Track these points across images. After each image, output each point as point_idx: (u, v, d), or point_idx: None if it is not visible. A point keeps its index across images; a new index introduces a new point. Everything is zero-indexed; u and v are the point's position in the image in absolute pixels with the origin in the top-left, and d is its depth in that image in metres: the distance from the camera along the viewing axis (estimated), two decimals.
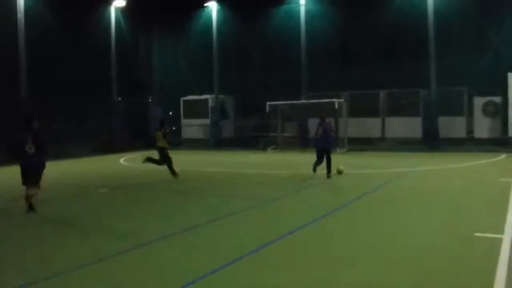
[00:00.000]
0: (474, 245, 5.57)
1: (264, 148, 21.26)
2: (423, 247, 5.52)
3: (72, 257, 5.38)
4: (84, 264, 5.05)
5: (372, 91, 21.13)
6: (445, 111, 19.61)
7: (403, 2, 20.52)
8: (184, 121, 25.29)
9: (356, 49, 21.92)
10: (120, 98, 24.90)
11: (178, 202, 9.17)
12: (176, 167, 12.23)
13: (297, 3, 22.98)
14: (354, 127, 20.81)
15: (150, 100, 26.95)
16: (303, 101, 21.83)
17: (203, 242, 5.96)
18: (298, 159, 17.34)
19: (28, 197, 7.69)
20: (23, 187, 7.76)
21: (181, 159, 19.22)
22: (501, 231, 6.00)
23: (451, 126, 19.75)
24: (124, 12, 24.46)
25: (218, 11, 24.54)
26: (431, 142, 19.48)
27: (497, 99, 19.30)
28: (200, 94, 24.76)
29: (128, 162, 17.50)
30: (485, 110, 19.49)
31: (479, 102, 19.62)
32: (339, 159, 16.44)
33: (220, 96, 24.55)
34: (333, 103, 19.49)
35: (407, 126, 20.50)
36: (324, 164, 11.37)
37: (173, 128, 27.79)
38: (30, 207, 7.73)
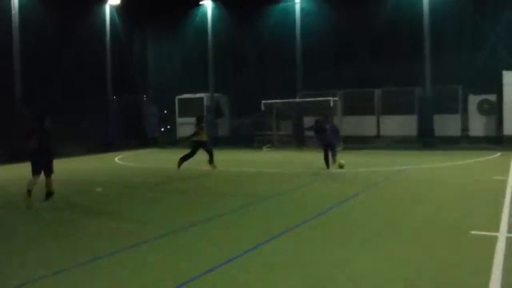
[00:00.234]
0: (470, 243, 5.57)
1: (259, 147, 21.24)
2: (418, 244, 5.51)
3: (67, 257, 5.31)
4: (78, 264, 4.99)
5: (367, 89, 21.17)
6: (440, 109, 19.69)
7: (398, 0, 20.56)
8: (179, 119, 25.19)
9: (351, 47, 21.97)
10: (115, 97, 24.77)
11: (175, 201, 9.12)
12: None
13: (292, 1, 22.95)
14: (349, 125, 20.86)
15: (145, 98, 26.83)
16: (298, 99, 21.82)
17: (199, 241, 5.91)
18: (294, 157, 17.34)
19: (30, 185, 8.35)
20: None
21: (177, 157, 19.19)
22: (496, 229, 6.01)
23: (446, 124, 19.83)
24: (118, 10, 24.31)
25: (213, 10, 24.46)
26: (426, 140, 19.54)
27: (492, 97, 19.39)
28: (195, 92, 24.68)
29: (124, 161, 17.41)
30: (480, 108, 19.58)
31: (474, 100, 19.70)
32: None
33: (216, 94, 24.48)
34: (328, 101, 19.49)
35: (402, 124, 20.56)
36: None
37: (168, 127, 27.71)
38: (49, 194, 8.70)
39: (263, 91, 22.82)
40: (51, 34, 20.13)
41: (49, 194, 8.76)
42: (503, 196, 8.21)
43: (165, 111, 27.50)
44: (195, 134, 12.46)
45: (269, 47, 23.23)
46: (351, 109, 21.04)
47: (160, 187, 11.05)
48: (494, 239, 5.55)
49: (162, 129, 28.11)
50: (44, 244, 5.99)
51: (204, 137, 12.32)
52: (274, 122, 21.87)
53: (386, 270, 4.67)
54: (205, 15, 24.72)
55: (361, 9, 21.14)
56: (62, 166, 16.06)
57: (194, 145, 12.41)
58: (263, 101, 21.08)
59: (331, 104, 19.58)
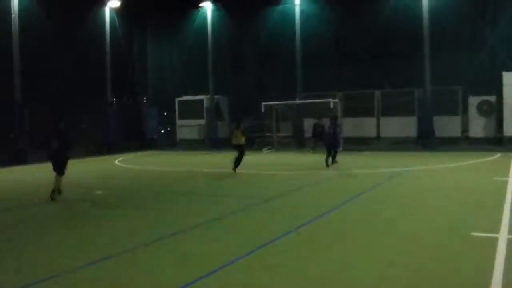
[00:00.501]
0: (470, 244, 5.55)
1: (259, 148, 21.22)
2: (418, 246, 5.49)
3: (66, 258, 5.30)
4: (79, 267, 4.97)
5: (367, 91, 21.17)
6: (440, 110, 19.68)
7: (398, 1, 20.59)
8: (179, 121, 25.19)
9: (350, 49, 21.98)
10: (114, 99, 24.77)
11: (175, 203, 9.10)
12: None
13: (292, 3, 22.98)
14: (349, 126, 20.85)
15: (145, 100, 26.83)
16: (298, 101, 21.82)
17: (199, 243, 5.90)
18: (294, 159, 17.33)
19: (55, 188, 9.19)
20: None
21: (176, 160, 19.21)
22: (497, 231, 5.99)
23: (446, 125, 19.82)
24: (118, 12, 24.33)
25: (213, 11, 24.48)
26: (426, 141, 19.53)
27: (492, 98, 19.39)
28: (195, 94, 24.69)
29: (123, 163, 17.39)
30: (480, 109, 19.57)
31: (474, 101, 19.69)
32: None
33: (216, 96, 24.49)
34: (328, 103, 19.49)
35: (402, 126, 20.55)
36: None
37: (168, 129, 27.71)
38: (53, 194, 9.19)
39: (263, 93, 22.84)
40: (51, 36, 20.14)
41: (54, 191, 9.22)
42: (504, 197, 8.20)
43: (165, 113, 27.49)
44: (235, 137, 13.05)
45: (268, 49, 23.25)
46: (351, 111, 21.03)
47: (161, 189, 11.03)
48: (495, 241, 5.54)
49: (162, 131, 28.11)
50: (45, 247, 5.98)
51: (242, 140, 12.92)
52: (274, 123, 21.86)
53: (386, 272, 4.66)
54: (205, 17, 24.75)
55: (360, 11, 21.17)
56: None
57: (237, 148, 13.00)
58: (263, 103, 21.07)
59: (331, 105, 19.57)
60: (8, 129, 18.48)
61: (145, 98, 26.89)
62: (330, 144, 13.50)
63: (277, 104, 21.27)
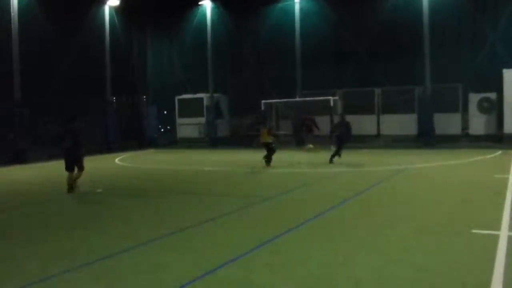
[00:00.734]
0: (471, 241, 5.54)
1: (258, 147, 21.20)
2: (419, 244, 5.48)
3: (67, 257, 5.28)
4: (80, 265, 4.96)
5: (367, 89, 21.13)
6: (440, 108, 19.65)
7: None
8: (179, 120, 25.17)
9: (350, 47, 21.94)
10: (114, 98, 24.74)
11: (176, 202, 9.08)
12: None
13: (291, 0, 22.93)
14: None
15: (144, 99, 26.80)
16: (298, 99, 21.78)
17: (200, 242, 5.89)
18: (294, 157, 17.30)
19: (69, 180, 9.73)
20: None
21: (177, 158, 19.20)
22: (498, 228, 5.97)
23: (447, 123, 19.79)
24: (118, 11, 24.28)
25: (213, 9, 24.43)
26: (426, 139, 19.51)
27: (492, 95, 19.35)
28: (195, 93, 24.66)
29: (124, 162, 17.38)
30: (480, 106, 19.54)
31: (474, 98, 19.65)
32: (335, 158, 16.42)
33: (215, 94, 24.46)
34: (328, 100, 19.46)
35: (403, 123, 20.53)
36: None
37: (168, 127, 27.69)
38: (70, 188, 9.70)
39: (263, 91, 22.80)
40: (50, 36, 20.08)
41: (71, 184, 9.78)
42: (504, 195, 8.18)
43: (165, 112, 27.47)
44: (262, 136, 13.58)
45: (268, 47, 23.20)
46: (351, 108, 20.99)
47: (160, 188, 11.01)
48: (496, 238, 5.52)
49: (162, 130, 28.10)
50: (48, 245, 5.97)
51: (268, 138, 13.41)
52: (274, 122, 21.82)
53: (386, 270, 4.64)
54: (204, 15, 24.69)
55: (360, 8, 21.10)
56: (62, 167, 16.07)
57: (265, 146, 13.54)
58: (263, 101, 21.04)
59: (331, 103, 19.54)
60: (8, 129, 18.46)
61: (144, 96, 26.85)
62: (343, 140, 14.04)
63: (276, 102, 21.24)
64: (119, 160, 18.22)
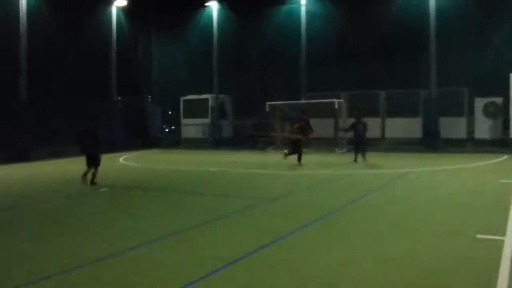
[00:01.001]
0: (476, 247, 5.48)
1: (263, 148, 21.18)
2: (423, 248, 5.43)
3: (70, 257, 5.29)
4: (81, 264, 4.96)
5: (371, 91, 21.05)
6: (445, 111, 19.54)
7: (404, 1, 20.45)
8: (184, 120, 25.21)
9: (355, 49, 21.87)
10: (119, 98, 24.83)
11: (179, 201, 9.07)
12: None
13: (298, 3, 22.92)
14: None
15: (149, 99, 26.88)
16: (302, 101, 21.75)
17: (203, 242, 5.87)
18: (306, 159, 17.24)
19: (85, 174, 10.68)
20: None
21: (181, 158, 19.21)
22: (503, 233, 5.91)
23: (452, 127, 19.67)
24: (124, 11, 24.40)
25: (219, 11, 24.47)
26: (431, 142, 19.40)
27: (498, 100, 19.22)
28: (199, 93, 24.69)
29: (128, 161, 17.42)
30: (486, 111, 19.41)
31: (480, 102, 19.53)
32: (338, 160, 16.39)
33: (220, 95, 24.48)
34: (332, 103, 19.41)
35: (407, 127, 20.43)
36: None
37: (172, 127, 27.74)
38: (92, 182, 10.60)
39: (268, 92, 22.78)
40: (58, 35, 20.22)
41: (92, 182, 10.65)
42: (510, 200, 8.10)
43: (170, 112, 27.54)
44: (296, 133, 14.32)
45: (274, 49, 23.19)
46: (355, 111, 20.90)
47: (165, 187, 11.02)
48: (501, 243, 5.46)
49: (166, 130, 28.15)
50: (53, 243, 5.98)
51: (298, 136, 14.15)
52: (278, 123, 21.79)
53: (390, 273, 4.60)
54: (210, 16, 24.74)
55: (366, 11, 21.06)
56: (67, 166, 16.15)
57: (293, 143, 14.30)
58: (267, 103, 21.03)
59: (336, 106, 19.49)
60: (12, 127, 18.57)
61: (149, 97, 26.93)
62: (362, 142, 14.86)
63: (281, 104, 21.22)
64: (123, 159, 18.26)
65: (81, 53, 21.43)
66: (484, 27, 19.90)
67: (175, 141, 25.50)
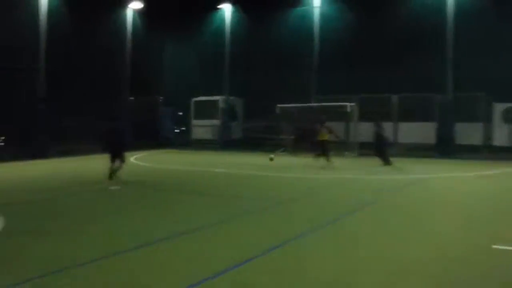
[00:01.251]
0: (492, 257, 5.17)
1: (272, 150, 20.97)
2: (437, 258, 5.14)
3: (75, 255, 5.17)
4: (83, 263, 4.84)
5: (384, 95, 20.63)
6: (461, 116, 19.03)
7: (420, 4, 20.04)
8: (194, 121, 25.20)
9: (368, 52, 21.52)
10: (131, 98, 24.99)
11: (191, 202, 8.91)
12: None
13: (311, 5, 22.72)
14: (364, 131, 20.29)
15: (161, 100, 26.97)
16: (313, 104, 21.49)
17: (213, 243, 5.72)
18: (307, 161, 17.00)
19: (113, 170, 11.14)
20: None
21: (191, 159, 19.16)
22: None
23: (468, 132, 19.13)
24: (139, 14, 24.66)
25: (231, 13, 24.44)
26: (445, 148, 18.90)
27: None
28: (210, 95, 24.67)
29: (139, 161, 17.43)
30: (505, 117, 18.84)
31: (499, 108, 18.98)
32: (348, 164, 16.07)
33: (231, 97, 24.39)
34: (344, 106, 19.12)
35: (420, 132, 19.96)
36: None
37: (183, 128, 27.77)
38: (111, 176, 11.03)
39: (278, 95, 22.57)
40: (75, 36, 20.51)
41: (111, 176, 11.11)
42: None
43: (180, 113, 27.61)
44: (321, 134, 14.71)
45: (286, 51, 23.03)
46: (367, 115, 20.52)
47: (174, 187, 10.95)
48: None
49: (177, 131, 28.21)
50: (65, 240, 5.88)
51: (325, 136, 14.64)
52: (288, 126, 21.57)
53: (402, 284, 4.34)
54: (222, 18, 24.71)
55: (380, 13, 20.72)
56: (79, 164, 16.24)
57: (323, 145, 14.73)
58: (278, 105, 20.84)
59: (348, 109, 19.19)
60: (30, 125, 18.87)
61: (161, 97, 27.03)
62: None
63: (291, 107, 21.00)
64: (134, 159, 18.29)
65: (97, 53, 21.65)
66: (503, 30, 19.34)
67: (185, 142, 25.51)
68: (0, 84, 17.42)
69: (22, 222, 7.07)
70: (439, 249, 5.52)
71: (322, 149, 14.61)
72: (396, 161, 16.85)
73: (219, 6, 24.62)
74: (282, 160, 18.01)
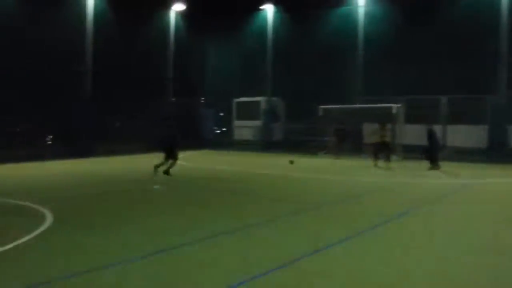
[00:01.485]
0: None
1: (314, 153, 20.79)
2: (478, 266, 4.94)
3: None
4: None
5: (431, 96, 19.85)
6: None
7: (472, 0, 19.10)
8: (236, 122, 25.43)
9: (415, 52, 20.77)
10: (174, 99, 25.60)
11: (227, 202, 9.06)
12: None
13: (355, 5, 22.30)
14: (411, 134, 19.65)
15: (202, 101, 27.45)
16: (357, 105, 21.09)
17: (249, 244, 5.79)
18: (350, 164, 16.73)
19: (168, 167, 12.05)
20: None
21: (232, 160, 19.38)
22: None
23: None
24: (182, 15, 25.22)
25: (274, 14, 24.47)
26: (497, 153, 17.93)
27: None
28: (252, 96, 24.79)
29: (180, 161, 17.80)
30: None
31: None
32: (394, 167, 15.63)
33: (273, 98, 24.42)
34: (389, 108, 18.60)
35: (471, 135, 19.03)
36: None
37: (224, 129, 28.11)
38: (168, 172, 12.07)
39: (321, 96, 22.32)
40: (118, 38, 21.26)
41: (167, 172, 12.08)
42: None
43: (222, 114, 27.95)
44: (379, 136, 15.16)
45: (329, 51, 22.71)
46: (414, 117, 19.83)
47: (214, 187, 11.11)
48: None
49: (218, 131, 28.59)
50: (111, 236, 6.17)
51: (385, 138, 15.13)
52: (331, 128, 21.28)
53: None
54: (265, 19, 24.80)
55: (427, 11, 19.94)
56: (123, 163, 16.86)
57: (385, 145, 15.22)
58: (321, 106, 20.62)
59: (394, 111, 18.67)
60: (77, 125, 19.75)
61: (202, 98, 27.50)
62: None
63: (334, 108, 20.70)
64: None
65: (140, 55, 22.36)
66: None
67: (226, 143, 25.80)
68: (49, 85, 18.31)
69: (72, 217, 7.45)
70: (482, 259, 5.27)
71: (383, 151, 15.03)
72: (445, 165, 16.22)
73: (261, 7, 24.72)
74: (325, 162, 17.82)
